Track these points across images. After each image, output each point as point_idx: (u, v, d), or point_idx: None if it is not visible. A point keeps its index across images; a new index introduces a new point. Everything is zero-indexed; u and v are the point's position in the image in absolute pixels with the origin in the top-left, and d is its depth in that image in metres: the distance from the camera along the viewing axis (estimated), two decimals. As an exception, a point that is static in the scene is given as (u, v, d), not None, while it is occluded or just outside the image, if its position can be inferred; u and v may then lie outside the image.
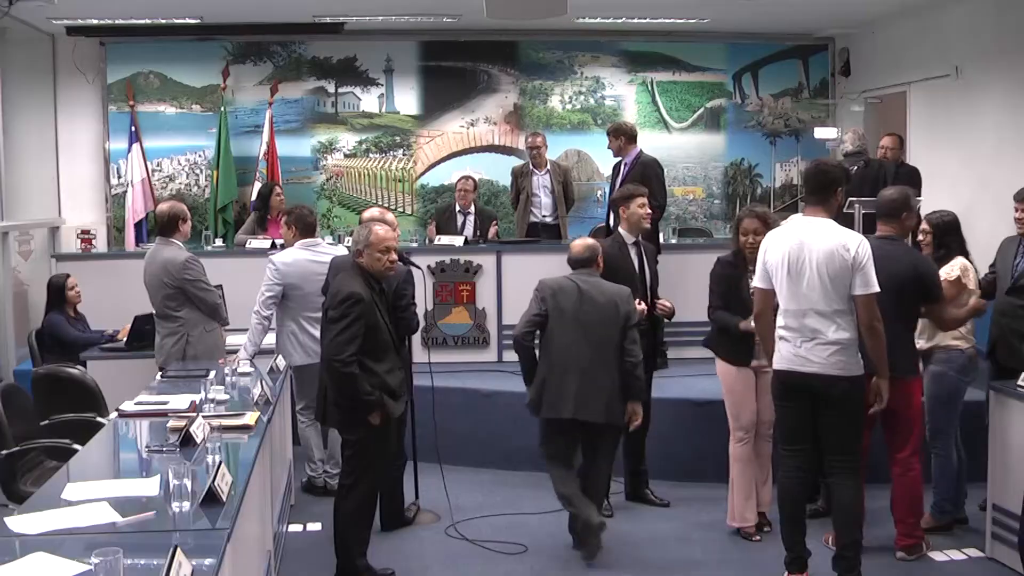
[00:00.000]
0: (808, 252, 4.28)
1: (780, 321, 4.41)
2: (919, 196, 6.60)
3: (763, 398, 5.07)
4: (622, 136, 7.14)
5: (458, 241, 7.83)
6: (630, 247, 5.63)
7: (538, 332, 5.01)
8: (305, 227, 5.91)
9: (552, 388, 4.93)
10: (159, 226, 5.96)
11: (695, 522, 5.55)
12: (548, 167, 8.35)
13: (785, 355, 4.37)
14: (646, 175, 6.95)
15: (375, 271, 4.59)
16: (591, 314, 4.92)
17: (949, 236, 5.14)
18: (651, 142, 9.05)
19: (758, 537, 5.20)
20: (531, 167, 8.34)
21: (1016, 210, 5.23)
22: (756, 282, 4.55)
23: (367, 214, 5.44)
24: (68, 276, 7.16)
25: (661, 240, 7.35)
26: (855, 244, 4.27)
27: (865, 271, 4.24)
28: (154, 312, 5.96)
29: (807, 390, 4.32)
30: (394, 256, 4.63)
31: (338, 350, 4.41)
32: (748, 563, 5.00)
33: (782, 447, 4.59)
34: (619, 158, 7.23)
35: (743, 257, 5.16)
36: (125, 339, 6.62)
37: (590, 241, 5.29)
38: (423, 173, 9.96)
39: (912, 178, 7.18)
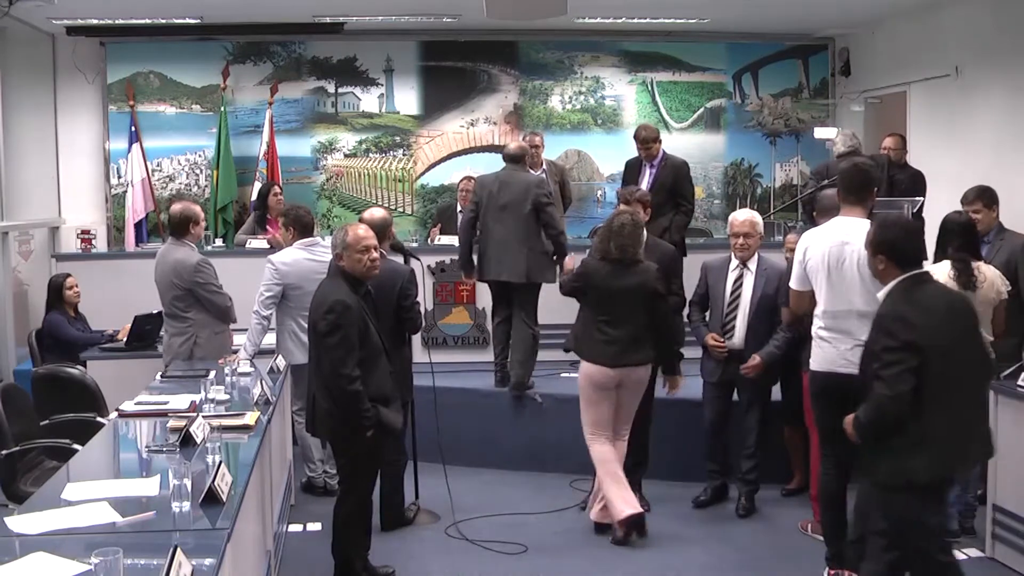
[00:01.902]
0: (850, 252, 4.28)
1: (819, 323, 4.39)
2: (923, 198, 6.62)
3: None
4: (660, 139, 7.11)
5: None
6: None
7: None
8: (303, 227, 5.92)
9: (487, 257, 6.47)
10: (171, 226, 6.01)
11: (697, 524, 5.58)
12: (544, 167, 8.32)
13: (827, 356, 4.36)
14: (678, 178, 6.89)
15: (358, 273, 4.51)
16: (507, 197, 6.37)
17: None
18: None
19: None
20: (528, 167, 8.28)
21: (971, 212, 5.36)
22: (793, 284, 4.55)
23: (367, 214, 5.42)
24: (68, 276, 7.16)
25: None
26: None
27: None
28: (163, 310, 5.99)
29: (846, 391, 4.25)
30: (375, 255, 4.55)
31: (340, 364, 4.32)
32: (749, 562, 5.01)
33: (821, 448, 4.61)
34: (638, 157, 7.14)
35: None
36: (125, 339, 6.62)
37: (523, 143, 7.10)
38: (423, 173, 9.96)
39: (916, 181, 7.18)
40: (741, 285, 5.55)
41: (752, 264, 5.54)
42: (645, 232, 5.42)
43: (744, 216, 5.59)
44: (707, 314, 5.71)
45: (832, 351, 4.34)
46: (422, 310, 5.43)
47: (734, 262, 5.60)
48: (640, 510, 5.21)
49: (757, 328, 5.50)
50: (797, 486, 5.88)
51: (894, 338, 3.55)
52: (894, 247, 3.71)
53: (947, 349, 3.56)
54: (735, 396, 5.74)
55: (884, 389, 3.54)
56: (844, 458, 4.42)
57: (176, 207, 6.07)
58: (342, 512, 4.62)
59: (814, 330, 4.44)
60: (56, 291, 7.07)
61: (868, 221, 4.36)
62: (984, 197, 5.47)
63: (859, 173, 4.48)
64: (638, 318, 5.19)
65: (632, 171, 7.20)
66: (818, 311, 4.41)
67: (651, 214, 6.54)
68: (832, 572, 4.53)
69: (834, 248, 4.33)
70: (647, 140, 7.01)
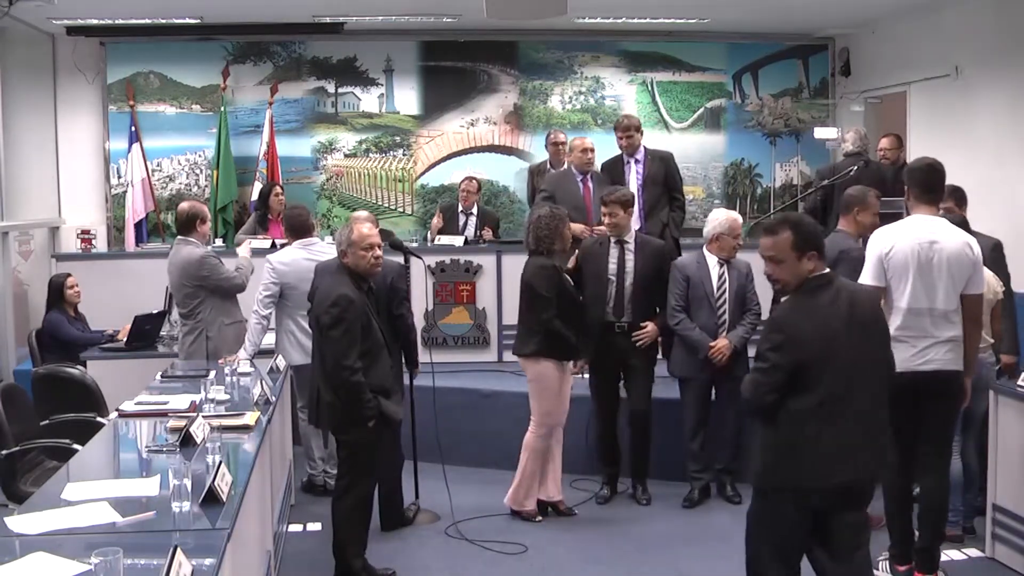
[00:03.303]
0: (938, 251, 4.30)
1: (897, 321, 4.31)
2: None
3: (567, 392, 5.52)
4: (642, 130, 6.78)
5: (458, 241, 7.83)
6: (611, 246, 5.68)
7: None
8: (299, 228, 5.96)
9: None
10: (178, 225, 6.12)
11: (698, 522, 5.59)
12: (566, 166, 8.22)
13: (905, 356, 4.25)
14: (669, 171, 6.67)
15: (361, 270, 4.59)
16: None
17: None
18: (651, 142, 8.99)
19: (540, 518, 5.56)
20: (549, 165, 8.23)
21: (943, 209, 5.39)
22: (868, 280, 4.38)
23: (355, 216, 5.46)
24: (68, 276, 7.17)
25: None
26: (975, 243, 4.38)
27: (981, 270, 4.36)
28: (179, 311, 6.08)
29: (919, 389, 4.28)
30: (378, 252, 4.63)
31: (343, 356, 4.40)
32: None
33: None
34: (622, 153, 6.78)
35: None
36: (125, 339, 6.63)
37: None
38: (423, 173, 9.96)
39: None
40: (725, 281, 5.64)
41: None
42: (623, 228, 5.61)
43: (741, 219, 5.77)
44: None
45: (911, 350, 4.29)
46: (422, 309, 5.45)
47: (713, 259, 5.66)
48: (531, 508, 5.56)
49: (739, 319, 5.67)
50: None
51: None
52: (820, 241, 3.58)
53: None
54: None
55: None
56: (909, 458, 4.42)
57: (184, 205, 6.17)
58: (342, 508, 4.64)
59: (891, 330, 4.21)
60: (57, 291, 7.08)
61: (945, 219, 4.48)
62: (955, 196, 5.45)
63: (934, 172, 4.51)
64: (524, 309, 5.43)
65: (615, 170, 6.72)
66: (896, 308, 4.33)
67: (647, 211, 6.55)
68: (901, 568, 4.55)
69: (923, 246, 4.31)
70: (629, 128, 6.64)
